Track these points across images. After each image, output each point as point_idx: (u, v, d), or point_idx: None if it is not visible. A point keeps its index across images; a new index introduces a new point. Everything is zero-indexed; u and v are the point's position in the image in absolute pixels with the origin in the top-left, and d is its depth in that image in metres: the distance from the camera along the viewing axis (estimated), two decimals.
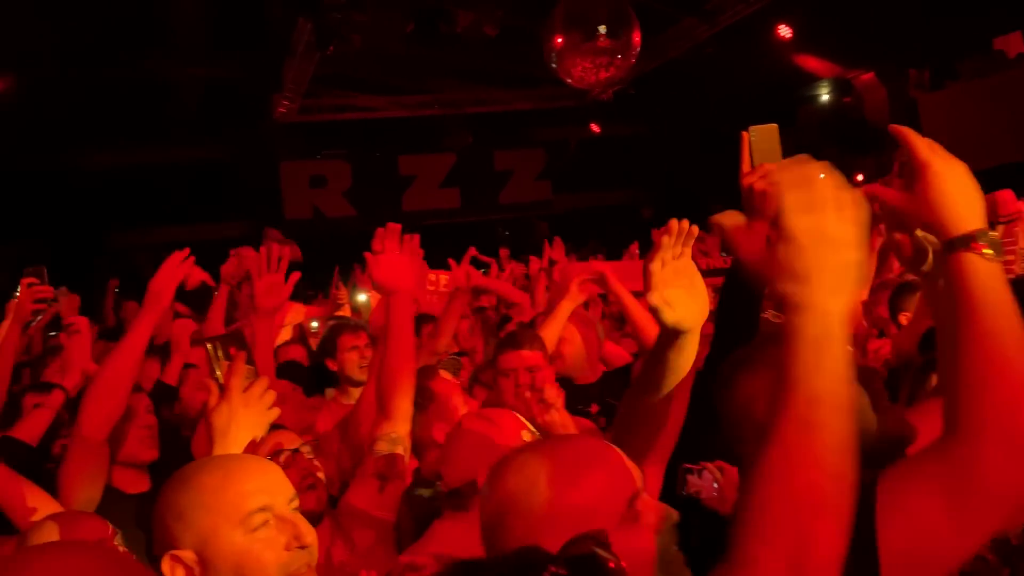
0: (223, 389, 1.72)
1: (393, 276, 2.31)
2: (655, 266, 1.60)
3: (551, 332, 3.36)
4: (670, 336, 1.64)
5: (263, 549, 1.23)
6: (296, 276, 2.71)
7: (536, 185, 15.18)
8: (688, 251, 1.67)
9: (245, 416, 1.67)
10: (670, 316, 1.59)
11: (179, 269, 2.27)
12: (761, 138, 1.86)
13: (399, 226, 2.37)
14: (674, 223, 1.65)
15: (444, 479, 1.92)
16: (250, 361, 1.75)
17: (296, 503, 1.35)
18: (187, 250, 2.32)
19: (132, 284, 8.82)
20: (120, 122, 11.76)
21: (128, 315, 6.41)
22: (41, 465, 2.75)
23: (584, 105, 12.52)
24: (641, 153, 14.47)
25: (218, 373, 1.78)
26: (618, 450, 1.21)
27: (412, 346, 2.31)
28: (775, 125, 1.89)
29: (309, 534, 1.29)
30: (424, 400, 2.53)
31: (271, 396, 1.74)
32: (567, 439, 1.29)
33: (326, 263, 8.09)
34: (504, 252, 8.49)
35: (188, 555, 1.20)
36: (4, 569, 0.69)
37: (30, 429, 2.80)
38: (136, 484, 2.60)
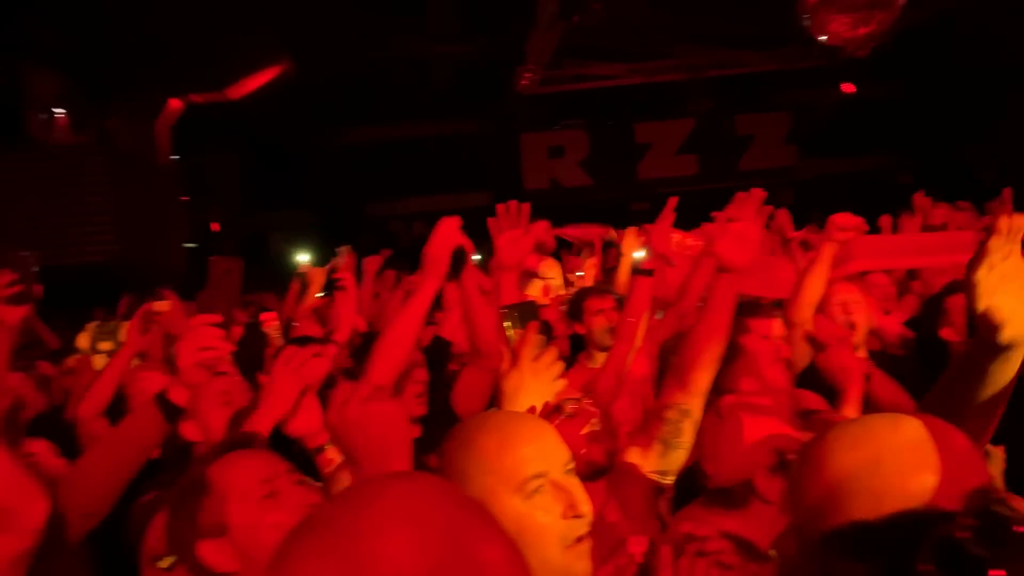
0: (514, 356, 1.75)
1: (739, 250, 2.03)
2: (981, 274, 1.33)
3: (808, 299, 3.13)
4: (995, 349, 1.38)
5: (541, 516, 1.23)
6: (541, 224, 2.67)
7: (780, 150, 14.46)
8: (1016, 249, 1.37)
9: (533, 384, 1.69)
10: (1005, 333, 1.33)
11: (452, 235, 2.28)
12: None
13: (764, 193, 2.07)
14: (1003, 222, 1.35)
15: (709, 475, 1.87)
16: (543, 331, 1.77)
17: (572, 466, 1.34)
18: (458, 218, 2.30)
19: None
20: (377, 100, 12.68)
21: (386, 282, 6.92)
22: None
23: (836, 64, 11.69)
24: (899, 115, 13.33)
25: (510, 337, 1.83)
26: (963, 435, 1.11)
27: (728, 325, 2.10)
28: None
29: (584, 503, 1.27)
30: (732, 353, 2.45)
31: (559, 367, 1.75)
32: (904, 417, 1.17)
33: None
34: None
35: None
36: (361, 494, 0.74)
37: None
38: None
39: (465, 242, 2.22)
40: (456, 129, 14.39)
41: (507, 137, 14.48)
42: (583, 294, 3.99)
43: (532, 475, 1.25)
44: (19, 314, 2.37)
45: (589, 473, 1.34)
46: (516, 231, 2.61)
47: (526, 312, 1.86)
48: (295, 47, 10.46)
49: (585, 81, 12.50)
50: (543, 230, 5.52)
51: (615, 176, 14.42)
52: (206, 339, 1.72)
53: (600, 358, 3.63)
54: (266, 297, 6.87)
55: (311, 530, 0.73)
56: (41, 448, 2.21)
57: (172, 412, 1.72)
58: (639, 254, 5.45)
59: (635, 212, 14.07)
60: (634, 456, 2.06)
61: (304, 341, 3.29)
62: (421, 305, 2.22)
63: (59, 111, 9.86)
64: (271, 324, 4.55)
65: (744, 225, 2.05)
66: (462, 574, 0.68)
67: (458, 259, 2.24)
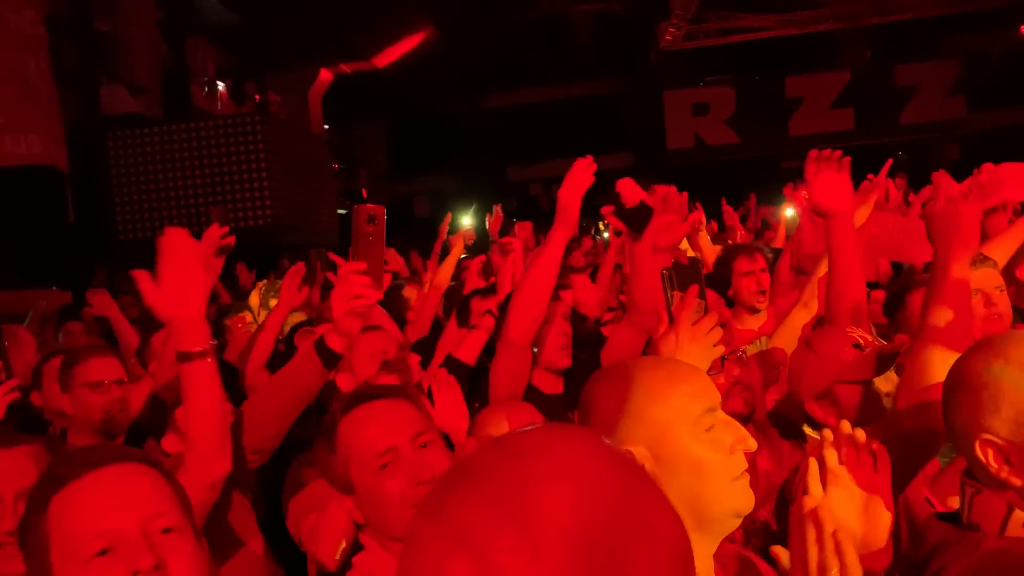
0: (672, 319, 1.72)
1: (832, 197, 2.21)
2: None
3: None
4: None
5: (715, 451, 1.22)
6: (696, 215, 2.66)
7: (946, 102, 13.48)
8: None
9: (690, 349, 1.66)
10: None
11: (583, 178, 2.29)
12: None
13: (838, 152, 2.27)
14: None
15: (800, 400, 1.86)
16: (701, 295, 1.73)
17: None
18: (589, 158, 2.33)
19: (528, 213, 9.60)
20: (518, 63, 12.72)
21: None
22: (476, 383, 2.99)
23: (1012, 6, 10.75)
24: None
25: (669, 300, 1.80)
26: None
27: (860, 268, 2.23)
28: None
29: (750, 437, 1.26)
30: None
31: (718, 333, 1.70)
32: None
33: (707, 192, 8.03)
34: (901, 181, 7.69)
35: (642, 451, 1.21)
36: (528, 443, 0.71)
37: (469, 349, 2.92)
38: (553, 386, 2.71)
39: (648, 199, 2.23)
40: (597, 89, 14.25)
41: (649, 96, 14.20)
42: (732, 252, 3.76)
43: (705, 410, 1.25)
44: (220, 263, 2.55)
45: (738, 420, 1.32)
46: (669, 216, 2.58)
47: (687, 274, 1.79)
48: (438, 14, 10.61)
49: (732, 35, 12.05)
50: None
51: (764, 133, 13.89)
52: (355, 287, 1.79)
53: (748, 319, 3.46)
54: (412, 258, 7.10)
55: (473, 476, 0.70)
56: None
57: (330, 358, 1.81)
58: (790, 212, 5.22)
59: (786, 170, 13.54)
60: (784, 406, 2.06)
61: (487, 292, 3.35)
62: (553, 253, 2.27)
63: (220, 84, 10.47)
64: (413, 285, 4.68)
65: (827, 175, 2.21)
66: (631, 535, 0.65)
67: (644, 215, 2.24)
